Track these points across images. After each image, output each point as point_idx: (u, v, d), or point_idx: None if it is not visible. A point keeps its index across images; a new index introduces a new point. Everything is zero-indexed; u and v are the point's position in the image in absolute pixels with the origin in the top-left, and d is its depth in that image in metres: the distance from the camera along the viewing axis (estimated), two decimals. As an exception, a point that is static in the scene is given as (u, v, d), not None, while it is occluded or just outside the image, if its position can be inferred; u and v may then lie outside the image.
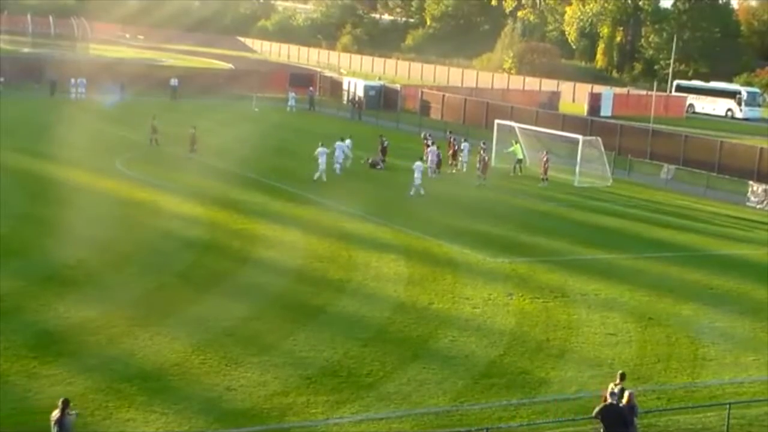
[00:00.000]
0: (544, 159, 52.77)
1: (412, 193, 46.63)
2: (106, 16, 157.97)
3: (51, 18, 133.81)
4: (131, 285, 29.39)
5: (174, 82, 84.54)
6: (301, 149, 54.50)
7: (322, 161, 48.26)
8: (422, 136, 57.94)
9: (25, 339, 24.18)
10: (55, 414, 17.63)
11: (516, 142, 55.95)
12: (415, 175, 46.55)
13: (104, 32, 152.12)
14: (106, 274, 30.45)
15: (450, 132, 60.11)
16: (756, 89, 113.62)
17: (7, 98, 70.87)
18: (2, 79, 77.40)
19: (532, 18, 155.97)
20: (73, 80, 78.52)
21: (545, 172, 52.47)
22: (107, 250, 33.42)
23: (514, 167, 54.67)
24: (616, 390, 19.49)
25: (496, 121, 60.31)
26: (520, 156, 55.17)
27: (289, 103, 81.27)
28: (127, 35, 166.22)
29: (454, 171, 54.09)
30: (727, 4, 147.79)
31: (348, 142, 52.50)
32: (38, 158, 47.02)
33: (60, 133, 55.73)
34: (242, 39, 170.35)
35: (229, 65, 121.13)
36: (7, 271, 29.63)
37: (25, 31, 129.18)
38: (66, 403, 17.67)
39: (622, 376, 20.38)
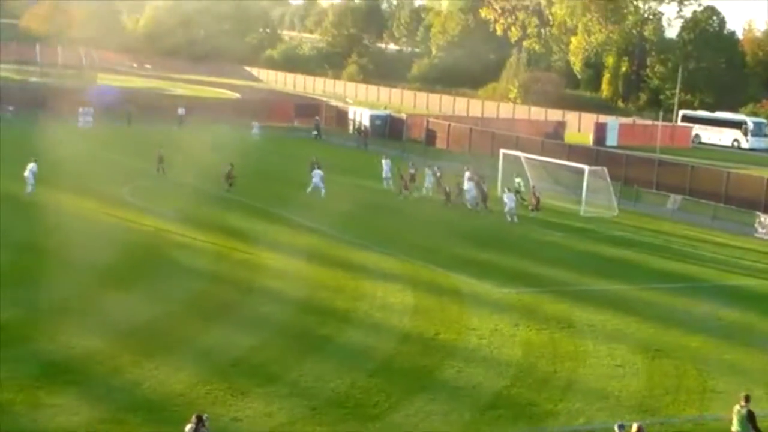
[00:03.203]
0: (533, 190, 53.18)
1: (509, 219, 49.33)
2: (114, 46, 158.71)
3: (59, 48, 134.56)
4: (136, 315, 29.30)
5: (181, 111, 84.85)
6: (305, 177, 54.44)
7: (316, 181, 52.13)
8: (409, 164, 57.97)
9: (30, 369, 24.14)
10: (189, 428, 17.89)
11: (517, 175, 56.17)
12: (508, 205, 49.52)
13: (112, 61, 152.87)
14: (111, 304, 30.37)
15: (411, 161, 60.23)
16: (762, 119, 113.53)
17: (16, 126, 71.08)
18: (11, 108, 77.68)
19: (537, 48, 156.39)
20: (81, 109, 78.84)
21: (536, 203, 52.49)
22: (112, 279, 33.39)
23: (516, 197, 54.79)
24: (743, 411, 19.51)
25: (502, 151, 60.29)
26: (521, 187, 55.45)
27: (253, 131, 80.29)
28: (135, 64, 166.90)
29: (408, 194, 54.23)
30: (733, 34, 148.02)
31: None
32: (44, 186, 47.01)
33: (66, 161, 55.82)
34: (249, 68, 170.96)
35: (236, 94, 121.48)
36: (11, 300, 29.58)
37: (33, 61, 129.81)
38: (200, 418, 18.08)
39: (747, 399, 20.22)
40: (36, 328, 27.33)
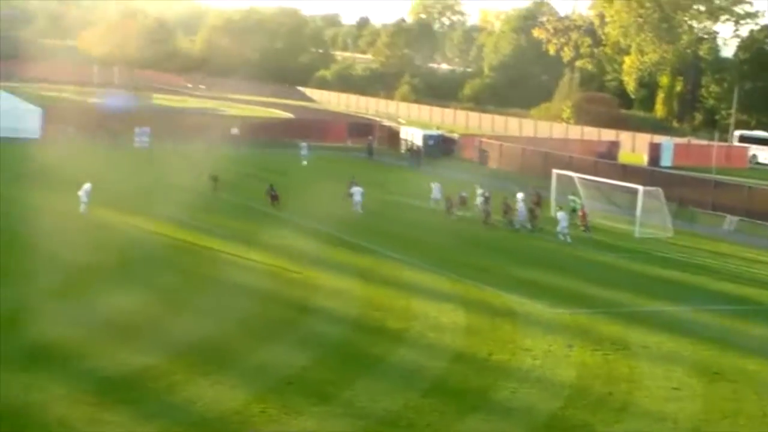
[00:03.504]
0: (581, 211, 53.32)
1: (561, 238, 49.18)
2: (169, 67, 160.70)
3: (115, 69, 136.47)
4: (192, 332, 29.46)
5: (235, 131, 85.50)
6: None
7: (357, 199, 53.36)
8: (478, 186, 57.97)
9: (86, 385, 24.36)
10: None
11: (573, 194, 55.97)
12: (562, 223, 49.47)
13: (167, 82, 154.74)
14: (167, 321, 30.59)
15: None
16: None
17: (74, 146, 72.00)
18: (70, 129, 78.76)
19: (590, 67, 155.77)
20: (137, 129, 79.82)
21: (584, 221, 52.62)
22: (169, 297, 33.70)
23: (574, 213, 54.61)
24: None
25: (554, 171, 60.06)
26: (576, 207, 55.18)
27: (302, 152, 78.66)
28: (189, 85, 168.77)
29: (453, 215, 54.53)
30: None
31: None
32: (98, 205, 47.52)
33: (123, 181, 56.54)
34: (302, 89, 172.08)
35: (289, 114, 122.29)
36: (69, 317, 29.91)
37: (90, 82, 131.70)
38: None
39: None
40: (92, 345, 27.57)
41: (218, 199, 54.81)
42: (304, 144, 79.43)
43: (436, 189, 57.79)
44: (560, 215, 50.30)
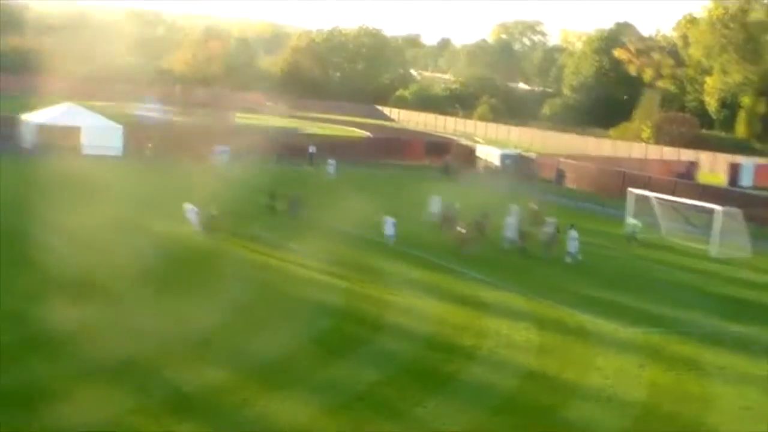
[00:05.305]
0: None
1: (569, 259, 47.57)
2: (251, 86, 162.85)
3: (198, 88, 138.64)
4: (265, 348, 29.90)
5: (312, 149, 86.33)
6: (419, 214, 54.88)
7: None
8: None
9: (160, 398, 24.98)
10: None
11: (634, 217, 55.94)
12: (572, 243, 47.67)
13: (249, 101, 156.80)
14: (241, 337, 31.09)
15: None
16: None
17: (157, 165, 73.51)
18: (150, 145, 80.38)
19: (671, 88, 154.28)
20: (217, 147, 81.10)
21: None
22: (243, 313, 34.28)
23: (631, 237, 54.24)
24: None
25: (629, 190, 59.70)
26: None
27: (329, 169, 79.18)
28: (270, 104, 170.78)
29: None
30: None
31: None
32: (175, 221, 48.37)
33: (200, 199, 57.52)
34: (381, 108, 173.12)
35: (366, 133, 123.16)
36: (145, 333, 30.45)
37: (173, 101, 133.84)
38: None
39: None
40: (166, 359, 28.13)
41: (294, 217, 54.98)
42: (331, 161, 79.57)
43: (435, 203, 56.49)
44: (572, 234, 48.13)
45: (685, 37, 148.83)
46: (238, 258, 43.56)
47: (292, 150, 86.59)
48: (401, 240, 48.49)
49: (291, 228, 51.71)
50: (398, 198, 64.11)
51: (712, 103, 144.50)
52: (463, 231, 48.95)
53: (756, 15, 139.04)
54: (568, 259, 47.55)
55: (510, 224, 50.82)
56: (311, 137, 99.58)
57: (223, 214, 48.35)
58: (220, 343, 30.34)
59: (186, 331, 31.12)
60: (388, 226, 48.79)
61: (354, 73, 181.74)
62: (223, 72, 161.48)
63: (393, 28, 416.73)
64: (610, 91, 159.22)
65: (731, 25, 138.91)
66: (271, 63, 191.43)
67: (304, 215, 53.89)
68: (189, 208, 48.45)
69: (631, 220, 55.90)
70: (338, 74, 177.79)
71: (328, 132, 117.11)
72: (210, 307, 34.00)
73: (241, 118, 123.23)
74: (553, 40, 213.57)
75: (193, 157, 77.83)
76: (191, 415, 24.02)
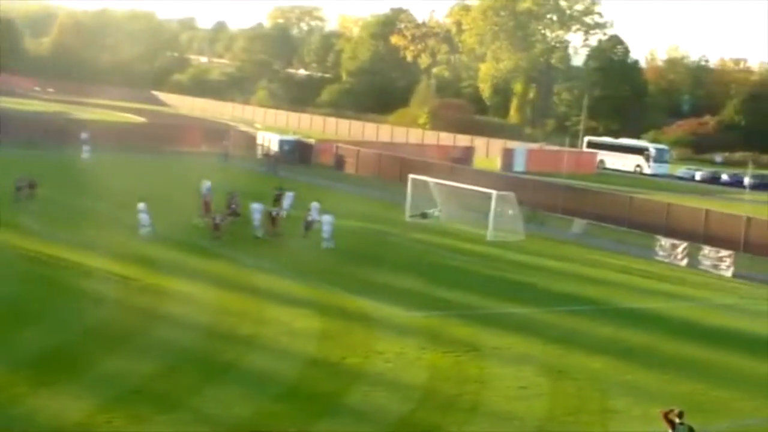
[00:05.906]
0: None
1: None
2: (15, 68, 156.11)
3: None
4: (34, 343, 28.48)
5: (84, 135, 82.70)
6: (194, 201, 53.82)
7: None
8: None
9: None
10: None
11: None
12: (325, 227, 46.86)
13: (13, 84, 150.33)
14: (6, 331, 29.44)
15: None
16: (664, 146, 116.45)
17: None
18: None
19: (446, 74, 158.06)
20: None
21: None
22: (9, 306, 32.54)
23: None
24: (683, 427, 20.71)
25: (410, 176, 60.50)
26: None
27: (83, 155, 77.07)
28: (37, 88, 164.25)
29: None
30: (636, 63, 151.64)
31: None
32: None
33: None
34: (156, 93, 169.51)
35: (142, 119, 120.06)
36: None
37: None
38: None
39: (681, 415, 20.98)
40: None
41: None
42: (86, 147, 77.54)
43: (205, 187, 54.33)
44: (326, 218, 47.52)
45: (458, 24, 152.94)
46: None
47: (61, 137, 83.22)
48: (170, 226, 47.19)
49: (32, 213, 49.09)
50: (162, 184, 62.70)
51: (486, 90, 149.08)
52: (216, 217, 47.93)
53: (525, 4, 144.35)
54: (325, 245, 46.83)
55: (255, 209, 49.38)
56: (83, 123, 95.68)
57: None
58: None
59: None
60: (142, 213, 46.71)
61: (127, 56, 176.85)
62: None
63: (166, 11, 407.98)
64: (387, 77, 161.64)
65: (502, 12, 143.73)
66: (38, 45, 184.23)
67: (29, 197, 51.44)
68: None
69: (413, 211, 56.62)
70: (110, 58, 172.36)
71: (101, 117, 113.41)
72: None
73: (6, 103, 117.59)
74: (331, 25, 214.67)
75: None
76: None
